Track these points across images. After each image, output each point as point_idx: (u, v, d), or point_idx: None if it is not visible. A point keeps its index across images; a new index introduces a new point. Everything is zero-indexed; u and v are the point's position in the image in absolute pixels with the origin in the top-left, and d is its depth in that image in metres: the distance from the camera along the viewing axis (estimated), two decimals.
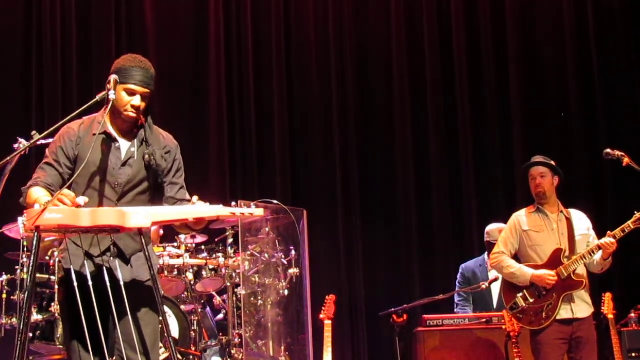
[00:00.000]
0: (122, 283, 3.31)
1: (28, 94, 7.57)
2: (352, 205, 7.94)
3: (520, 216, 5.40)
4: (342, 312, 7.21)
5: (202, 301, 6.40)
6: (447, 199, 8.04)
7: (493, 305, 6.25)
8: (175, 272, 6.10)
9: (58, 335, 5.48)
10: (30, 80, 7.59)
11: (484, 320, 5.79)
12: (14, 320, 5.65)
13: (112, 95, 3.39)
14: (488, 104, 8.17)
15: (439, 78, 8.20)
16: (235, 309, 6.13)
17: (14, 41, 7.66)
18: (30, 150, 3.66)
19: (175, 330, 5.79)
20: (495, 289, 6.10)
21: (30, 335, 5.35)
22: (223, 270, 6.15)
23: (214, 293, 6.48)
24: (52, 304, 5.51)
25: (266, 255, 6.30)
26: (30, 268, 3.29)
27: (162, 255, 5.99)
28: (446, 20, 8.25)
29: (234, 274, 6.14)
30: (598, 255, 5.14)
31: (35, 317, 5.46)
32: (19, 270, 5.63)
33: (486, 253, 6.43)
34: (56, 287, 5.01)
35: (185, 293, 6.18)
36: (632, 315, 6.42)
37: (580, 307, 5.15)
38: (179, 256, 6.07)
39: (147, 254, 3.33)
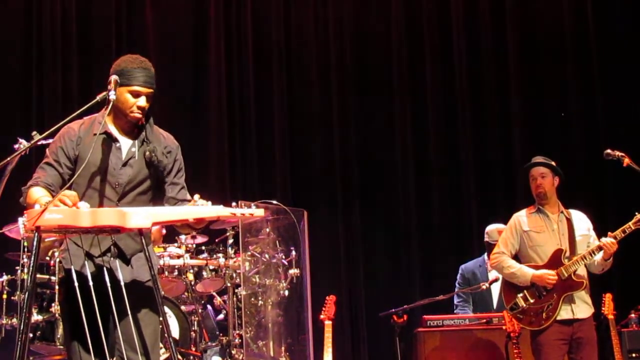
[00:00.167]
0: (122, 283, 3.30)
1: (28, 94, 7.57)
2: (352, 205, 7.94)
3: (521, 216, 5.39)
4: (342, 313, 7.21)
5: (203, 301, 6.40)
6: (447, 199, 8.04)
7: (493, 305, 6.25)
8: (176, 273, 6.09)
9: (58, 336, 5.47)
10: (30, 81, 7.59)
11: (484, 320, 5.78)
12: (14, 320, 5.64)
13: (112, 96, 3.39)
14: (488, 104, 8.17)
15: (440, 78, 8.21)
16: (235, 310, 6.13)
17: (14, 41, 7.66)
18: (31, 151, 3.65)
19: (175, 331, 5.79)
20: (495, 289, 6.10)
21: (31, 335, 5.35)
22: (223, 271, 6.15)
23: (214, 293, 6.48)
24: (53, 305, 5.50)
25: (266, 256, 6.29)
26: (31, 268, 3.29)
27: (163, 255, 5.99)
28: (446, 20, 8.25)
29: (234, 275, 6.14)
30: (599, 256, 5.14)
31: (36, 317, 5.46)
32: (19, 271, 5.62)
33: (485, 254, 6.43)
34: (56, 287, 5.01)
35: (186, 293, 6.18)
36: (632, 315, 6.42)
37: (580, 307, 5.15)
38: (179, 256, 6.07)
39: (147, 254, 3.33)
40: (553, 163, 5.35)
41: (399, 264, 7.89)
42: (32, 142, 3.54)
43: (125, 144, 3.56)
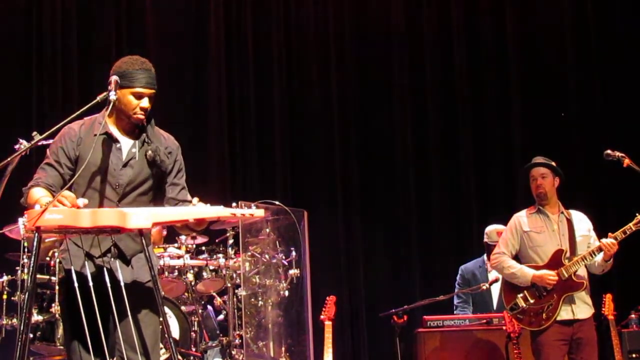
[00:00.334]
0: (122, 284, 3.30)
1: (28, 94, 7.57)
2: (352, 206, 7.94)
3: (521, 217, 5.39)
4: (342, 313, 7.21)
5: (203, 302, 6.40)
6: (447, 199, 8.04)
7: (493, 306, 6.25)
8: (176, 273, 6.09)
9: (58, 336, 5.47)
10: (30, 81, 7.59)
11: (485, 321, 5.78)
12: (15, 320, 5.64)
13: (112, 96, 3.39)
14: (488, 104, 8.17)
15: (440, 78, 8.21)
16: (235, 310, 6.13)
17: (14, 41, 7.65)
18: (31, 151, 3.65)
19: (175, 331, 5.78)
20: (495, 290, 6.10)
21: (31, 336, 5.35)
22: (223, 271, 6.14)
23: (214, 294, 6.47)
24: (53, 305, 5.50)
25: (266, 256, 6.29)
26: (31, 269, 3.29)
27: (163, 256, 5.99)
28: (447, 20, 8.25)
29: (234, 275, 6.13)
30: (599, 257, 5.14)
31: (36, 317, 5.46)
32: (19, 271, 5.62)
33: (485, 254, 6.43)
34: (56, 287, 5.01)
35: (186, 294, 6.17)
36: (633, 316, 6.43)
37: (580, 308, 5.15)
38: (179, 257, 6.07)
39: (147, 254, 3.32)
40: (553, 163, 5.35)
41: (399, 264, 7.89)
42: (33, 142, 3.54)
43: (125, 144, 3.55)
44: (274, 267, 6.30)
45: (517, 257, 5.36)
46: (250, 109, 7.92)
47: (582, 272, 5.20)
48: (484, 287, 6.03)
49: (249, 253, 6.22)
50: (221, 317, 6.60)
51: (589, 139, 7.95)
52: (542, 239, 5.27)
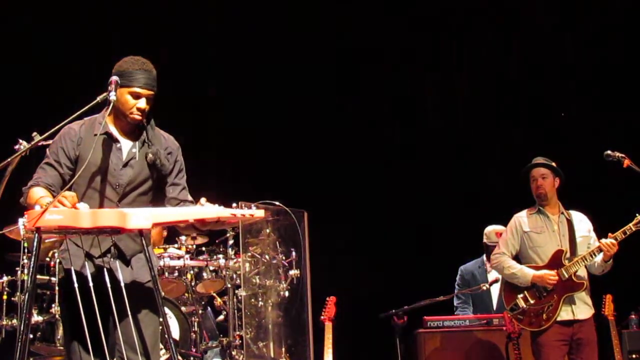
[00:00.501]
0: (122, 284, 3.30)
1: (28, 94, 7.56)
2: (352, 206, 7.93)
3: (521, 217, 5.39)
4: (342, 314, 7.20)
5: (203, 302, 6.40)
6: (446, 199, 8.04)
7: (493, 307, 6.25)
8: (176, 274, 6.09)
9: (58, 337, 5.47)
10: (30, 81, 7.58)
11: (485, 321, 5.78)
12: (15, 321, 5.64)
13: (112, 97, 3.39)
14: (488, 104, 8.17)
15: (439, 77, 8.21)
16: (235, 311, 6.13)
17: (14, 41, 7.65)
18: (31, 151, 3.65)
19: (175, 332, 5.78)
20: (495, 290, 6.10)
21: (31, 336, 5.35)
22: (224, 272, 6.15)
23: (214, 294, 6.47)
24: (53, 305, 5.51)
25: (267, 257, 6.29)
26: (31, 269, 3.28)
27: (163, 256, 5.99)
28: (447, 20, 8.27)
29: (234, 275, 6.14)
30: (599, 257, 5.14)
31: (36, 318, 5.46)
32: (19, 272, 5.62)
33: (484, 255, 6.43)
34: (56, 288, 5.01)
35: (186, 294, 6.17)
36: (633, 316, 6.43)
37: (580, 308, 5.15)
38: (179, 257, 6.07)
39: (147, 255, 3.32)
40: (553, 164, 5.35)
41: (399, 265, 7.89)
42: (33, 142, 3.54)
43: (125, 144, 3.55)
44: (274, 268, 6.30)
45: (517, 258, 5.36)
46: (250, 109, 7.92)
47: (582, 272, 5.20)
48: (484, 288, 6.03)
49: (249, 253, 6.23)
50: (221, 317, 6.60)
51: (589, 139, 7.94)
52: (542, 240, 5.27)
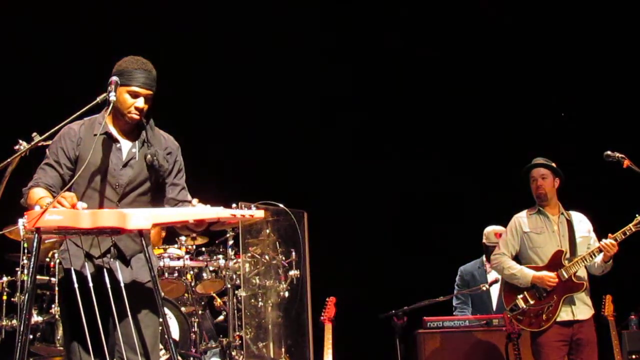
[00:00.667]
0: (122, 284, 3.30)
1: (28, 94, 7.56)
2: (352, 206, 7.93)
3: (521, 218, 5.39)
4: (342, 314, 7.20)
5: (203, 303, 6.40)
6: (447, 199, 8.04)
7: (492, 307, 6.25)
8: (176, 274, 6.09)
9: (58, 337, 5.48)
10: (30, 81, 7.58)
11: (484, 322, 5.78)
12: (14, 321, 5.64)
13: (112, 97, 3.39)
14: (488, 104, 8.17)
15: (439, 77, 8.20)
16: (235, 311, 6.13)
17: (14, 41, 7.65)
18: (31, 152, 3.65)
19: (175, 332, 5.78)
20: (495, 291, 6.10)
21: (31, 337, 5.35)
22: (223, 272, 6.15)
23: (214, 295, 6.47)
24: (53, 306, 5.51)
25: (267, 257, 6.29)
26: (31, 269, 3.28)
27: (163, 256, 5.99)
28: (447, 19, 8.27)
29: (234, 276, 6.14)
30: (599, 258, 5.14)
31: (36, 318, 5.47)
32: (19, 272, 5.62)
33: (484, 255, 6.43)
34: (56, 288, 5.00)
35: (186, 295, 6.17)
36: (632, 317, 6.43)
37: (580, 309, 5.15)
38: (179, 258, 6.07)
39: (147, 255, 3.32)
40: (553, 164, 5.35)
41: (399, 264, 7.89)
42: (33, 143, 3.54)
43: (125, 144, 3.55)
44: (274, 268, 6.30)
45: (517, 258, 5.36)
46: (250, 109, 7.92)
47: (582, 273, 5.20)
48: (484, 288, 6.03)
49: (249, 254, 6.23)
50: (221, 318, 6.60)
51: (589, 139, 7.94)
52: (542, 240, 5.27)
